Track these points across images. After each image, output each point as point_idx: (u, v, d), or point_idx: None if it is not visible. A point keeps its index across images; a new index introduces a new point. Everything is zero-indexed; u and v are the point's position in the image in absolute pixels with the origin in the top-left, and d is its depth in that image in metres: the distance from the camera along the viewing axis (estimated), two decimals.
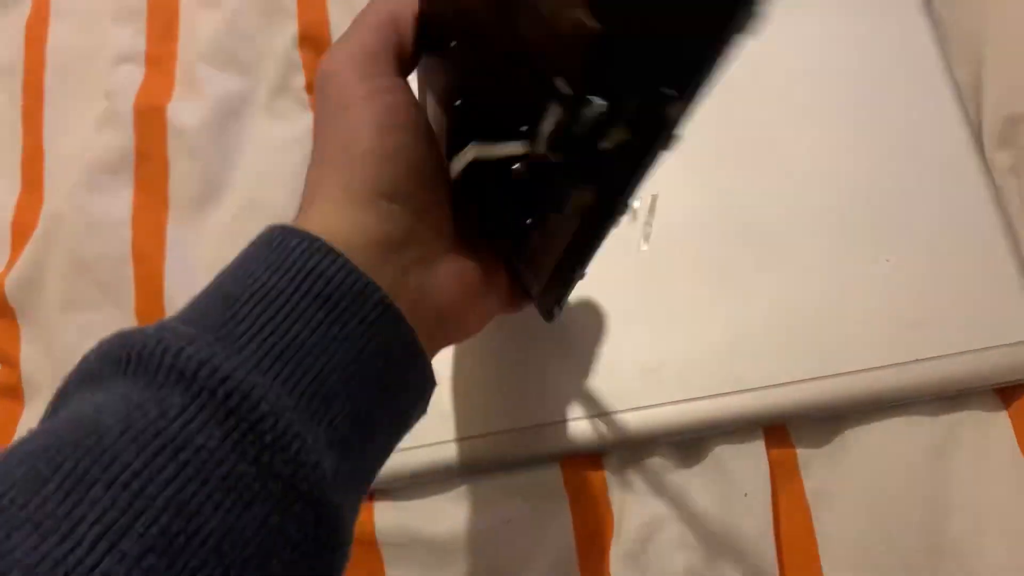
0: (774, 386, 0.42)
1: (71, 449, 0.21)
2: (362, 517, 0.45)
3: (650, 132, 0.23)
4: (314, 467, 0.23)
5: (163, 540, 0.21)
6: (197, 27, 0.60)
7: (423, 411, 0.31)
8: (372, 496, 0.46)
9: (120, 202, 0.56)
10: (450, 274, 0.31)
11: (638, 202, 0.46)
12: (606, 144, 0.24)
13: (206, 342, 0.23)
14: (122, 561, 0.20)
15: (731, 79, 0.50)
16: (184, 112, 0.57)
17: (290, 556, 0.23)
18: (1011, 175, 0.44)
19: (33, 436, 0.23)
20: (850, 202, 0.44)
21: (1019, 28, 0.45)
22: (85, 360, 0.25)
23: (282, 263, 0.26)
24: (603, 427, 0.43)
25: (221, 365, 0.23)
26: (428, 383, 0.30)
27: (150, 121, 0.57)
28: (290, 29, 0.58)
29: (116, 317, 0.54)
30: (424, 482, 0.45)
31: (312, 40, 0.58)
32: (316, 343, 0.25)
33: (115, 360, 0.24)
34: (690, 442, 0.43)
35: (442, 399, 0.45)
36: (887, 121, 0.46)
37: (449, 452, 0.44)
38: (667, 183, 0.46)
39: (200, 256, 0.54)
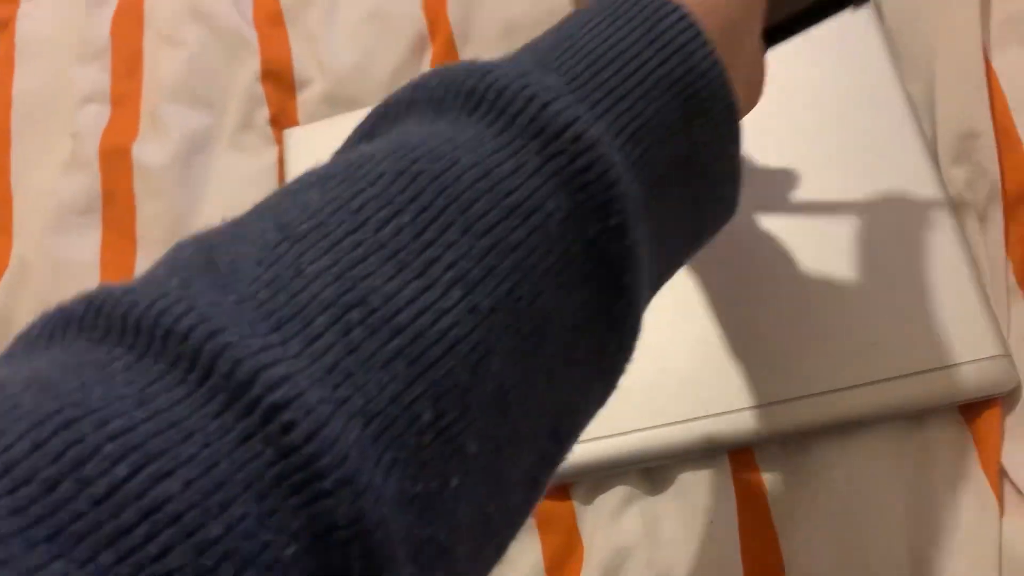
0: (738, 411, 0.42)
1: (427, 181, 0.20)
2: None
3: None
4: (638, 263, 0.22)
5: (508, 301, 0.20)
6: (160, 65, 0.60)
7: (709, 239, 0.29)
8: None
9: (88, 244, 0.56)
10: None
11: None
12: None
13: (570, 101, 0.22)
14: (473, 312, 0.19)
15: None
16: (149, 151, 0.57)
17: (595, 345, 0.23)
18: (967, 190, 0.44)
19: (376, 153, 0.21)
20: (808, 221, 0.44)
21: (967, 45, 0.45)
22: (424, 82, 0.23)
23: (653, 34, 0.23)
24: (570, 456, 0.43)
25: (585, 132, 0.21)
26: (733, 207, 0.28)
27: (116, 162, 0.58)
28: (252, 64, 0.59)
29: None
30: None
31: (274, 75, 0.58)
32: (664, 132, 0.23)
33: (466, 93, 0.22)
34: (657, 469, 0.43)
35: None
36: (843, 138, 0.45)
37: None
38: None
39: None
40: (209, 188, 0.56)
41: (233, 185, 0.56)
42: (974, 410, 0.41)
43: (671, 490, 0.43)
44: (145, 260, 0.55)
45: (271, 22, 0.60)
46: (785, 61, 0.48)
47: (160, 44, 0.61)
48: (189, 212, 0.56)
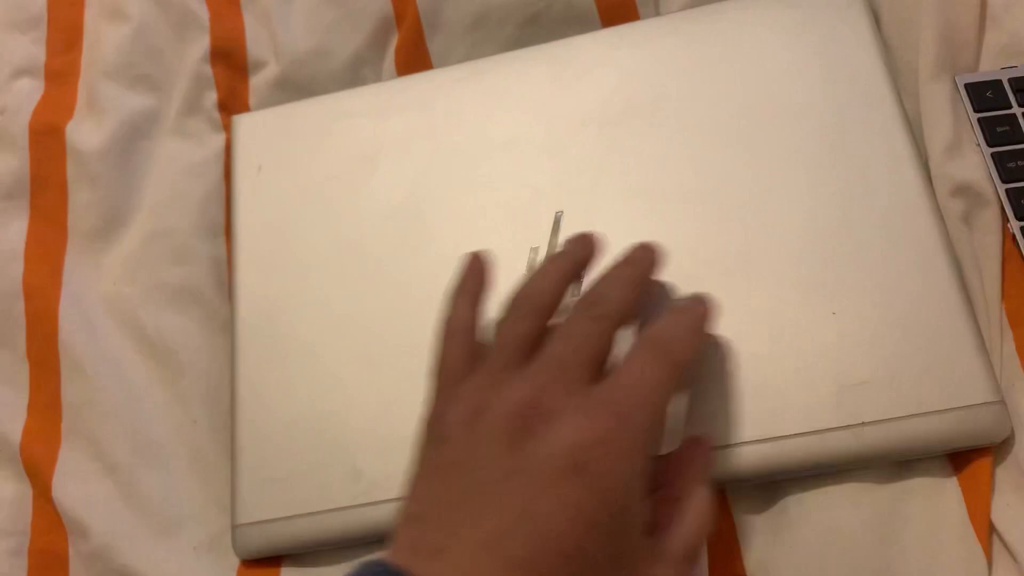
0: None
1: None
2: None
3: None
4: None
5: None
6: (102, 39, 0.55)
7: None
8: (280, 562, 0.42)
9: (12, 233, 0.52)
10: None
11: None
12: None
13: None
14: None
15: (670, 113, 0.47)
16: (84, 133, 0.53)
17: None
18: (963, 224, 0.41)
19: None
20: (794, 248, 0.41)
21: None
22: None
23: None
24: None
25: None
26: None
27: (47, 142, 0.53)
28: (202, 43, 0.54)
29: (5, 359, 0.49)
30: (334, 548, 0.42)
31: (225, 55, 0.54)
32: None
33: None
34: None
35: (355, 461, 0.42)
36: (836, 162, 0.42)
37: (360, 517, 0.41)
38: (599, 226, 0.43)
39: (99, 292, 0.50)
40: (148, 177, 0.52)
41: (174, 174, 0.52)
42: (964, 459, 0.38)
43: None
44: (74, 253, 0.51)
45: None
46: (775, 76, 0.45)
47: (102, 17, 0.56)
48: (125, 202, 0.51)
